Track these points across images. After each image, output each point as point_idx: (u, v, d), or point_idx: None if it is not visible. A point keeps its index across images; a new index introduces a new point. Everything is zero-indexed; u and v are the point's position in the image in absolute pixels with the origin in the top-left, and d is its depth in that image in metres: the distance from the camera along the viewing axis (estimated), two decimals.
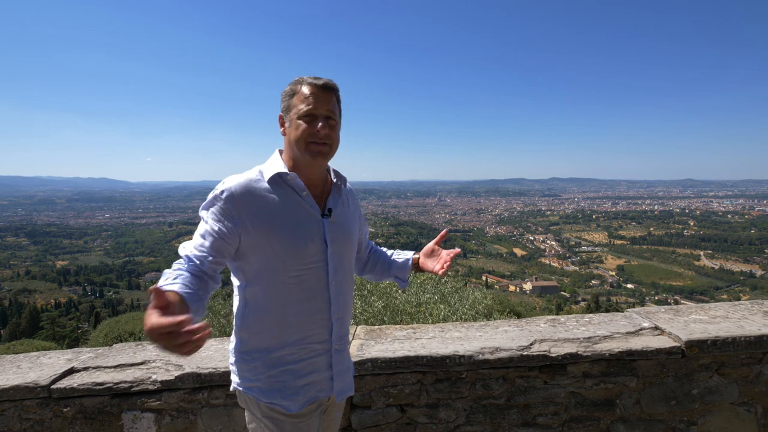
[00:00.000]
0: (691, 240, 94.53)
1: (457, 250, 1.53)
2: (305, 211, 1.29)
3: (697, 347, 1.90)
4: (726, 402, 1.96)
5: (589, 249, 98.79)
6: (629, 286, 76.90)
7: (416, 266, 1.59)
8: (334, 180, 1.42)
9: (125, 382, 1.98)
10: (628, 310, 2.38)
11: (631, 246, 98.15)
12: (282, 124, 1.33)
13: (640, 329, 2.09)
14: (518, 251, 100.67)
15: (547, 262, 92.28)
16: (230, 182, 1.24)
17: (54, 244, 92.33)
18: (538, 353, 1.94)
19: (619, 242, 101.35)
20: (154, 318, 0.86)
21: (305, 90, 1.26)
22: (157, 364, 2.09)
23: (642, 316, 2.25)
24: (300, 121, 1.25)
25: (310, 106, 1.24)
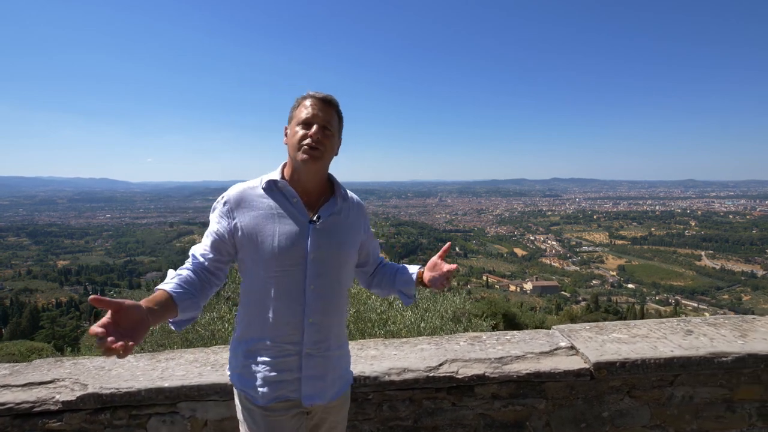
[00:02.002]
0: (693, 240, 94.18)
1: (454, 266, 1.47)
2: (292, 216, 1.37)
3: (605, 369, 1.86)
4: (637, 425, 1.91)
5: (590, 249, 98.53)
6: (630, 286, 76.73)
7: (420, 281, 1.56)
8: (335, 191, 1.48)
9: (27, 402, 1.95)
10: (554, 327, 2.33)
11: (632, 246, 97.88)
12: (286, 134, 1.43)
13: (556, 349, 2.04)
14: (519, 251, 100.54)
15: (547, 262, 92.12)
16: (231, 189, 1.41)
17: (55, 244, 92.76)
18: (445, 375, 1.89)
19: (620, 242, 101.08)
20: (93, 325, 1.02)
21: (307, 102, 1.37)
22: (65, 383, 2.06)
23: (564, 335, 2.20)
24: (297, 128, 1.36)
25: (308, 115, 1.35)
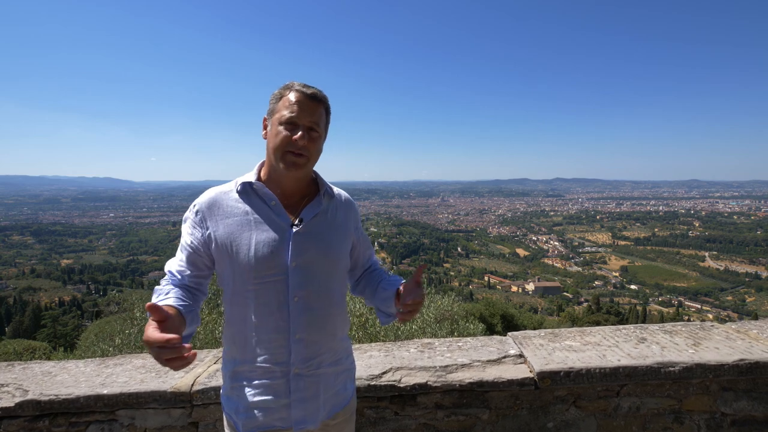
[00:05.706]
0: (696, 241, 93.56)
1: (419, 300, 1.22)
2: (270, 221, 1.23)
3: (549, 379, 1.81)
4: None
5: (593, 250, 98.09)
6: (633, 287, 76.35)
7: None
8: (319, 188, 1.34)
9: None
10: (509, 333, 2.28)
11: (635, 247, 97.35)
12: (264, 127, 1.28)
13: (504, 357, 2.00)
14: (521, 252, 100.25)
15: (550, 262, 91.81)
16: (203, 195, 1.29)
17: (59, 243, 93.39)
18: (386, 383, 1.85)
19: (623, 243, 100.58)
20: (150, 331, 0.95)
21: (292, 96, 1.21)
22: (8, 389, 2.03)
23: (517, 342, 2.16)
24: (281, 128, 1.21)
25: (293, 114, 1.20)
